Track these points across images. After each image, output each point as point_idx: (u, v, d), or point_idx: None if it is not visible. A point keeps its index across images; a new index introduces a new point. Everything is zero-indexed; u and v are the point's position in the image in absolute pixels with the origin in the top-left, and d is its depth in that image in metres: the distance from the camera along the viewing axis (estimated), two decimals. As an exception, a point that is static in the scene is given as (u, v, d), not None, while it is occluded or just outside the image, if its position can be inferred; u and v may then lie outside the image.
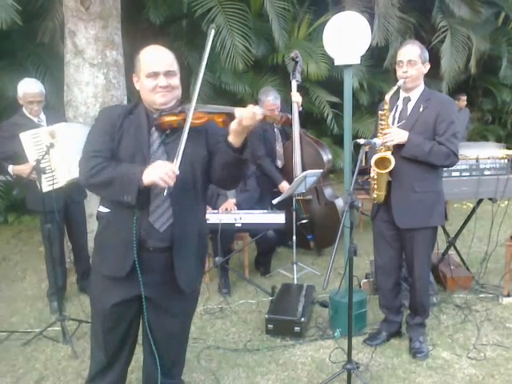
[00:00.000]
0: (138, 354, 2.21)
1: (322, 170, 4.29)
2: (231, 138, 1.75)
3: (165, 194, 1.73)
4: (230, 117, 1.76)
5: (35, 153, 3.19)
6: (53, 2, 5.82)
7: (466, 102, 8.14)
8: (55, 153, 3.21)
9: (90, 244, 3.75)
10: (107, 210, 1.91)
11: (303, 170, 4.37)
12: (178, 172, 1.70)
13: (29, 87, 3.49)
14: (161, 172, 1.69)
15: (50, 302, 3.69)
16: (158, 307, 1.95)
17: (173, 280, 1.90)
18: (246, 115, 1.67)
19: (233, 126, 1.72)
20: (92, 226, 3.84)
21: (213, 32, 1.83)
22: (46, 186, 3.18)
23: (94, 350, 2.08)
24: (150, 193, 1.82)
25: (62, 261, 3.74)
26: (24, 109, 3.52)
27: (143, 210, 1.82)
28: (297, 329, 3.14)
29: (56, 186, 3.21)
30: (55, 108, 3.72)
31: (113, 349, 2.01)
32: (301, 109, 4.48)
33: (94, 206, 3.96)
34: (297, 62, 4.39)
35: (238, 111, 1.69)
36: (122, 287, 1.89)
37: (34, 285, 4.25)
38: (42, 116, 3.59)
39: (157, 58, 1.83)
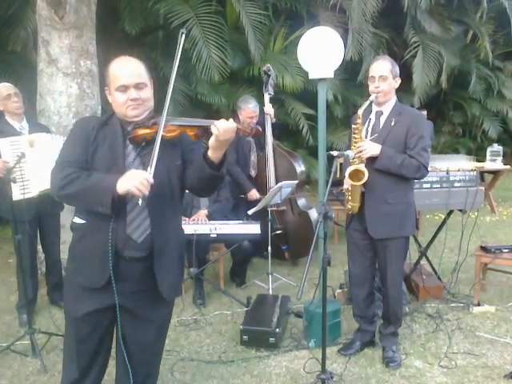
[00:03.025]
0: (110, 368, 2.17)
1: (297, 181, 4.34)
2: (210, 153, 1.74)
3: (140, 203, 1.70)
4: (204, 130, 1.77)
5: (11, 160, 3.14)
6: (25, 11, 5.76)
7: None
8: (31, 162, 3.17)
9: (63, 255, 3.68)
10: (82, 221, 1.87)
11: (277, 181, 4.42)
12: (152, 180, 1.68)
13: (1, 85, 3.52)
14: (135, 181, 1.66)
15: (20, 315, 3.60)
16: (134, 315, 1.93)
17: (149, 288, 1.89)
18: (223, 130, 1.68)
19: (210, 142, 1.71)
20: (64, 237, 3.76)
21: (183, 37, 1.81)
22: (17, 195, 3.12)
23: (66, 362, 2.03)
24: (125, 204, 1.80)
25: (34, 273, 3.65)
26: (6, 116, 3.50)
27: (119, 221, 1.80)
28: (272, 340, 3.14)
29: (28, 196, 3.16)
30: (27, 117, 3.67)
31: (85, 361, 1.97)
32: (274, 120, 4.55)
33: (67, 217, 3.88)
34: (269, 76, 4.46)
35: (214, 127, 1.69)
36: (95, 297, 1.86)
37: (3, 297, 4.14)
38: (25, 124, 3.56)
39: (126, 71, 1.80)
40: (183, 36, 1.82)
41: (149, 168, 1.70)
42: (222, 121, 1.71)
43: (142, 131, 1.80)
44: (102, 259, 1.80)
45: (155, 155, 1.72)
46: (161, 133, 1.75)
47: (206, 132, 1.75)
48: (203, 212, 4.03)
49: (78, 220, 1.89)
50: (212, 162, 1.75)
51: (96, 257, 1.81)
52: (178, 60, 1.82)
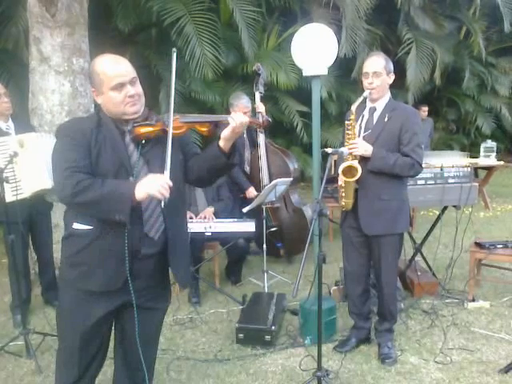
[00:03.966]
0: (105, 368, 2.16)
1: (291, 179, 4.34)
2: (223, 144, 1.84)
3: (162, 205, 1.71)
4: (216, 125, 1.87)
5: (1, 161, 3.11)
6: (16, 8, 5.71)
7: (427, 113, 8.47)
8: (22, 163, 3.13)
9: (56, 255, 3.65)
10: (87, 227, 1.81)
11: (270, 178, 4.42)
12: (171, 184, 1.70)
13: None
14: (157, 185, 1.67)
15: (14, 316, 3.57)
16: (140, 308, 1.91)
17: (159, 282, 1.97)
18: (239, 122, 1.77)
19: (226, 132, 1.81)
20: (57, 237, 3.74)
21: (175, 55, 1.84)
22: (9, 196, 3.09)
23: (62, 366, 2.01)
24: (140, 206, 1.80)
25: (27, 273, 3.63)
26: None
27: (135, 222, 1.78)
28: (267, 337, 3.13)
29: (21, 197, 3.13)
30: (19, 116, 3.62)
31: (85, 363, 1.97)
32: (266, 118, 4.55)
33: (59, 217, 3.85)
34: (259, 75, 4.45)
35: (232, 120, 1.78)
36: (105, 299, 1.86)
37: (-4, 298, 4.12)
38: (11, 123, 3.50)
39: (118, 69, 1.78)
40: (175, 55, 1.85)
41: (165, 171, 1.72)
42: (238, 114, 1.82)
43: (145, 129, 1.81)
44: (117, 261, 1.79)
45: (168, 154, 1.76)
46: (171, 131, 1.78)
47: (217, 126, 1.86)
48: (210, 210, 4.03)
49: (80, 226, 1.82)
50: (224, 152, 1.85)
51: (109, 260, 1.79)
52: (173, 78, 1.83)
